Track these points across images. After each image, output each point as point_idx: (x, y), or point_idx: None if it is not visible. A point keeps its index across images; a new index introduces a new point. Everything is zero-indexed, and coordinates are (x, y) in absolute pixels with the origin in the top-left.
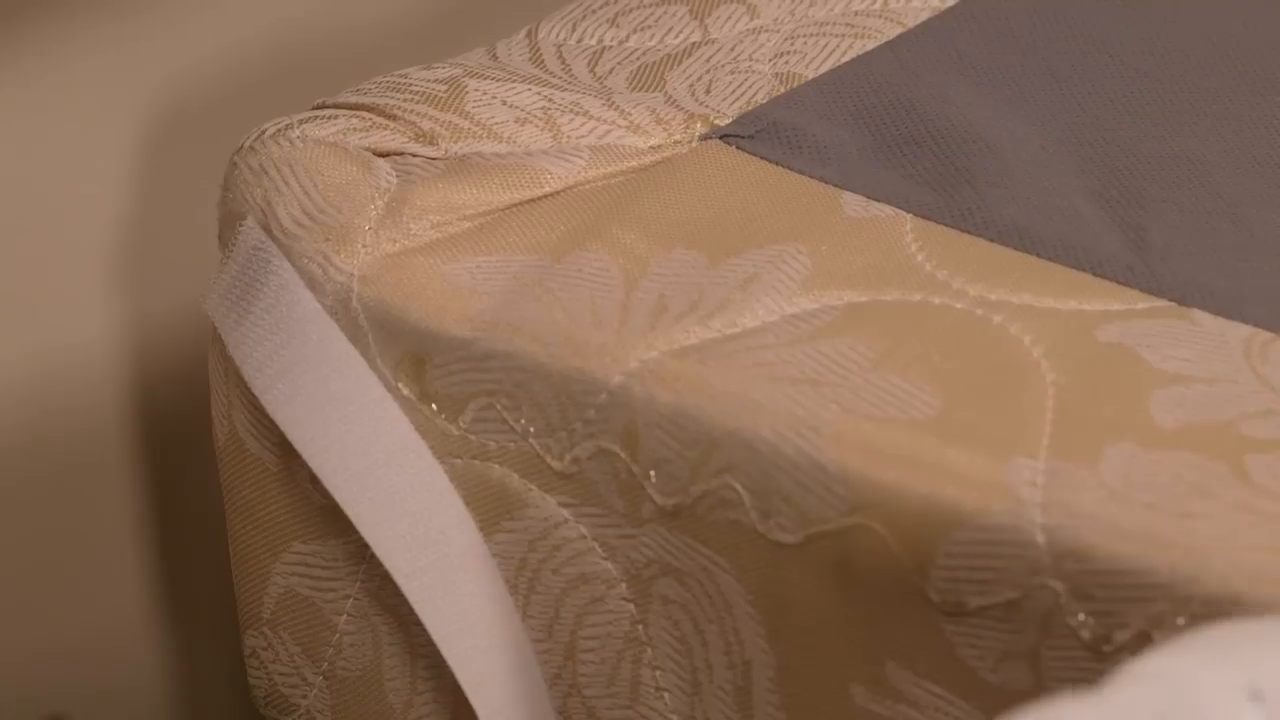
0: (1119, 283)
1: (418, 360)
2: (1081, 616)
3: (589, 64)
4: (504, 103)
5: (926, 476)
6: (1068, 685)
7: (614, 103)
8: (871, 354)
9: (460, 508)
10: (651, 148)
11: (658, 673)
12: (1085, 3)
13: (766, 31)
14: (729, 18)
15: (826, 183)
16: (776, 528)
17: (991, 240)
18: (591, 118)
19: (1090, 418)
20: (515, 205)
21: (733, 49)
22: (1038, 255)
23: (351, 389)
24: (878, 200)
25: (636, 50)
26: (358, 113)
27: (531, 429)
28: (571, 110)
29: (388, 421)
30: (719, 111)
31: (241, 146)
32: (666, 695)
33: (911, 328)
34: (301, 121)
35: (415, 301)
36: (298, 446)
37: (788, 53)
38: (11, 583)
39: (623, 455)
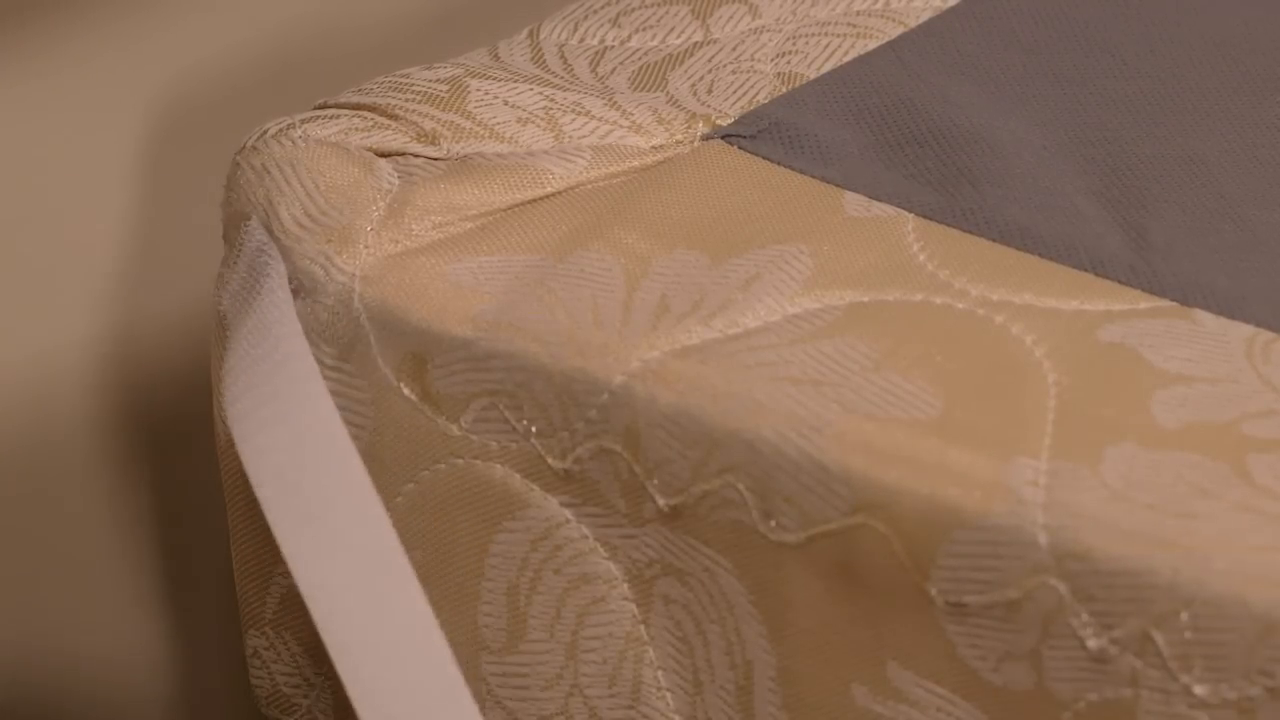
0: (1121, 283)
1: (419, 360)
2: (1083, 617)
3: (591, 64)
4: (506, 103)
5: (928, 476)
6: (1069, 685)
7: (616, 103)
8: (873, 354)
9: (399, 553)
10: (653, 148)
11: (660, 673)
12: (1087, 3)
13: (768, 31)
14: (731, 17)
15: (828, 182)
16: (778, 528)
17: (993, 240)
18: (593, 118)
19: (1092, 418)
20: (517, 205)
21: (734, 49)
22: (1039, 255)
23: (305, 420)
24: (879, 200)
25: (638, 50)
26: (360, 113)
27: (533, 429)
28: (573, 110)
29: (334, 449)
30: (721, 111)
31: (244, 146)
32: (668, 695)
33: (913, 328)
34: (304, 121)
35: (417, 302)
36: (242, 458)
37: (789, 52)
38: (12, 582)
39: (624, 455)
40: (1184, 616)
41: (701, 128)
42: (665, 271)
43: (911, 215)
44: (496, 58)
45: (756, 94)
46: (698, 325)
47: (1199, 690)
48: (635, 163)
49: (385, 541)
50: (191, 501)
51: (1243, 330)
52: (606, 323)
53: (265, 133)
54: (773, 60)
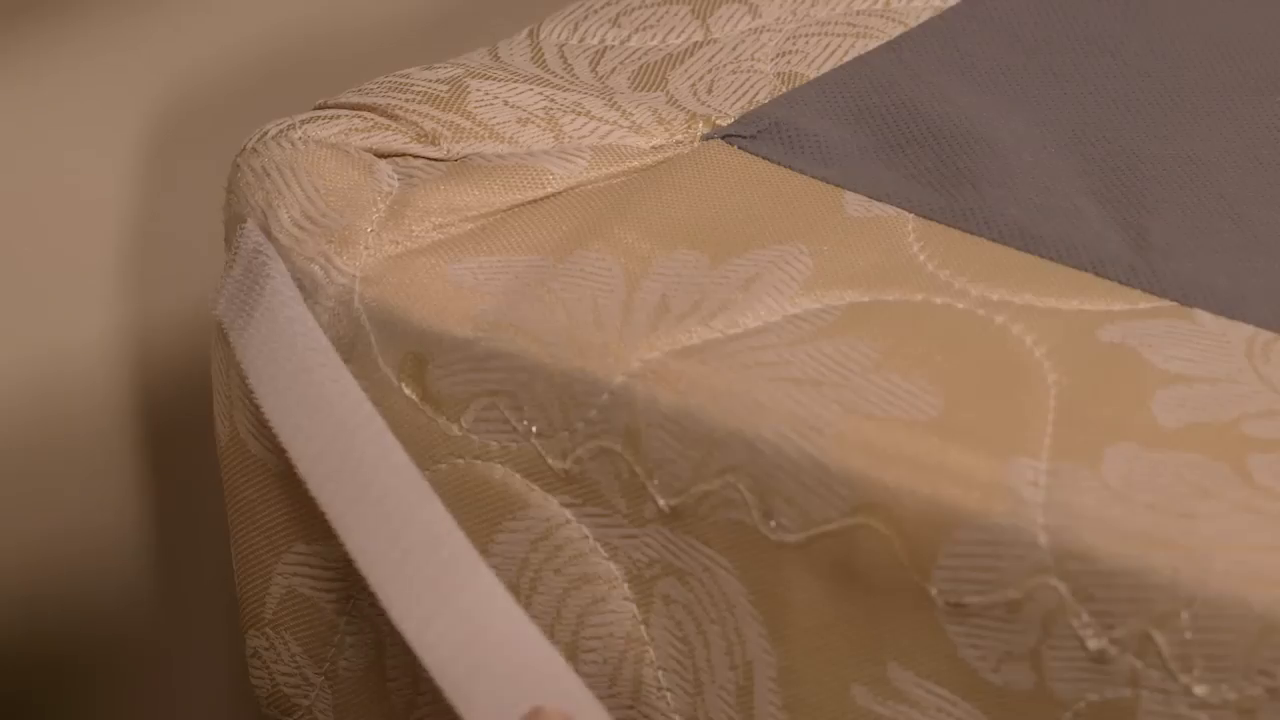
0: (1121, 283)
1: (420, 361)
2: (1084, 617)
3: (591, 64)
4: (506, 103)
5: (928, 477)
6: (1069, 685)
7: (616, 103)
8: (873, 354)
9: (444, 514)
10: (653, 148)
11: (660, 673)
12: (1087, 3)
13: (768, 31)
14: (731, 17)
15: (828, 183)
16: (779, 528)
17: (993, 240)
18: (593, 118)
19: (1092, 418)
20: (517, 206)
21: (734, 49)
22: (1039, 255)
23: (334, 400)
24: (879, 200)
25: (638, 50)
26: (360, 113)
27: (534, 429)
28: (573, 110)
29: (372, 432)
30: (721, 111)
31: (244, 148)
32: (669, 695)
33: (913, 328)
34: (304, 122)
35: (417, 302)
36: (291, 455)
37: (789, 52)
38: (12, 582)
39: (625, 455)
40: (1184, 616)
41: (701, 128)
42: (665, 271)
43: (911, 215)
44: (496, 58)
45: (756, 94)
46: (698, 325)
47: (1199, 690)
48: (635, 163)
49: (440, 516)
50: (192, 502)
51: (1243, 330)
52: (607, 323)
53: (265, 134)
54: (773, 60)
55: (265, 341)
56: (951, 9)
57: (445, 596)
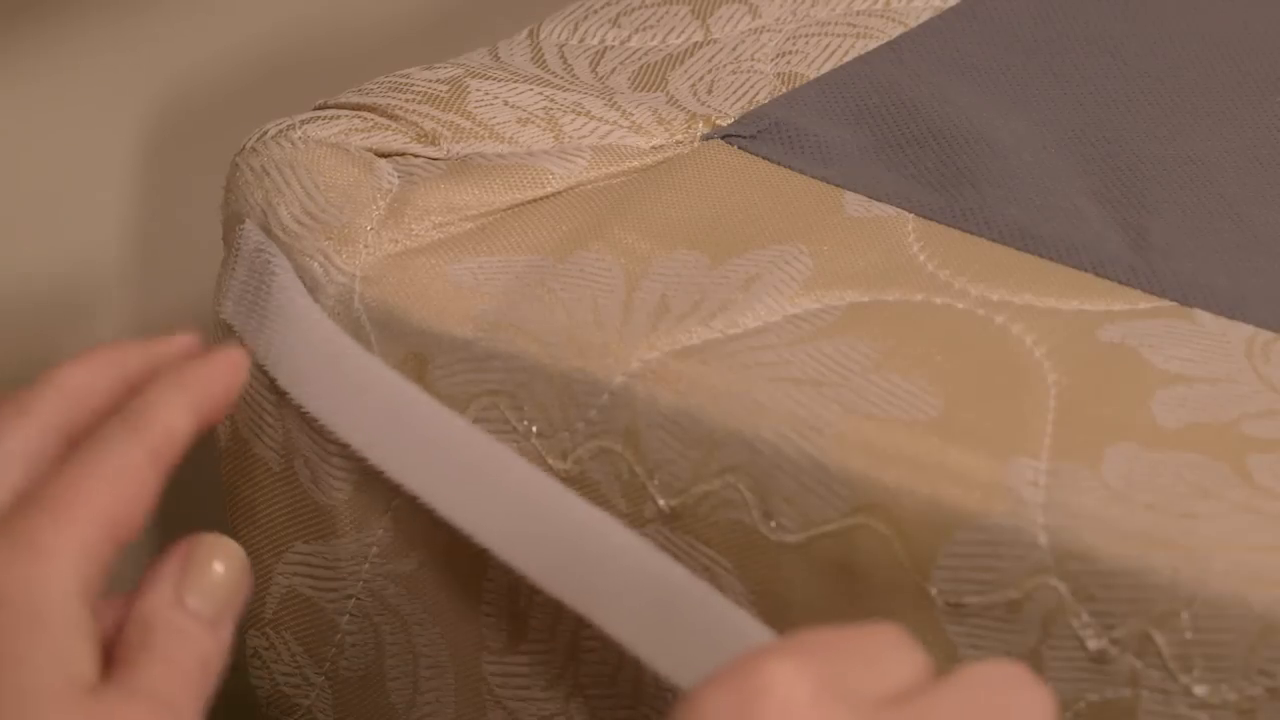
0: (1121, 283)
1: (420, 360)
2: (1084, 617)
3: (591, 64)
4: (506, 103)
5: (928, 477)
6: (1069, 685)
7: (616, 103)
8: (873, 354)
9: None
10: (653, 148)
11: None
12: (1087, 3)
13: (768, 31)
14: (731, 18)
15: (828, 183)
16: (779, 528)
17: (993, 240)
18: (593, 118)
19: (1092, 418)
20: (517, 205)
21: (734, 49)
22: (1039, 255)
23: (367, 378)
24: (879, 200)
25: (638, 50)
26: (360, 113)
27: (534, 429)
28: (573, 110)
29: (412, 395)
30: (721, 111)
31: (244, 147)
32: (669, 695)
33: (913, 328)
34: (303, 122)
35: (417, 302)
36: (354, 447)
37: (789, 52)
38: None
39: (625, 455)
40: (1184, 616)
41: (701, 128)
42: (665, 271)
43: (911, 215)
44: (496, 58)
45: (756, 94)
46: (698, 325)
47: (1199, 690)
48: (635, 163)
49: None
50: (192, 501)
51: (1243, 330)
52: (607, 323)
53: (265, 134)
54: (773, 60)
55: (286, 340)
56: (951, 9)
57: (579, 541)
